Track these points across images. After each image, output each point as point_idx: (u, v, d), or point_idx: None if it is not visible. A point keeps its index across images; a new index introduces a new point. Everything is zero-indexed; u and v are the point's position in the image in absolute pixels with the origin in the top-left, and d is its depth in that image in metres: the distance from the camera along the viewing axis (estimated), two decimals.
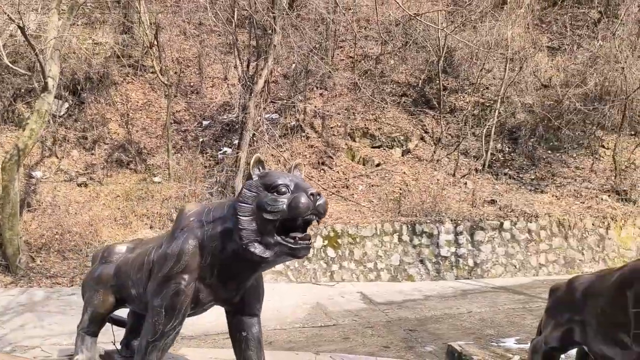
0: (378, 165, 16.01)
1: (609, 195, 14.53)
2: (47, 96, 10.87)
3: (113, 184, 15.16)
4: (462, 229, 12.97)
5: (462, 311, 9.95)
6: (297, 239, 3.13)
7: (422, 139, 16.92)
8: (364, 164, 16.31)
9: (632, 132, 15.78)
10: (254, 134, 15.73)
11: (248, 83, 15.57)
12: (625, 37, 15.33)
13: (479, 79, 17.14)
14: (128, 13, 19.41)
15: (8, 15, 8.74)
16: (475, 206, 14.09)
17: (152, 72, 19.96)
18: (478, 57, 16.99)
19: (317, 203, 3.10)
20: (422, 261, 12.64)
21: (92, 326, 4.25)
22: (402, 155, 16.42)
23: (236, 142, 18.00)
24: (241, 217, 3.16)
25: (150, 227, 13.52)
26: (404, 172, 15.73)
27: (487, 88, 17.71)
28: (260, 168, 3.38)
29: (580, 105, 15.22)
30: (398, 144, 16.60)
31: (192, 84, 19.76)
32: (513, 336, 8.35)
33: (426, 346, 7.82)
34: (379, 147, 16.69)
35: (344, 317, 9.34)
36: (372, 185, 15.36)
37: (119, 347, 4.66)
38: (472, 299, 10.90)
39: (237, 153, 15.42)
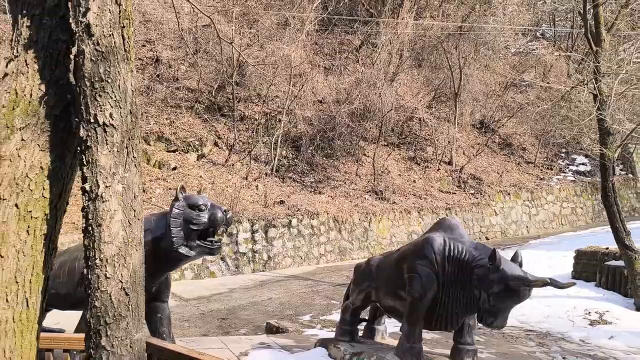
0: (174, 168, 16.48)
1: (370, 195, 17.78)
2: None
3: None
4: (258, 227, 14.46)
5: (264, 298, 11.37)
6: (213, 242, 4.55)
7: (215, 144, 17.95)
8: (159, 168, 16.58)
9: (386, 144, 19.51)
10: None
11: None
12: (381, 67, 18.90)
13: (267, 92, 18.95)
14: None
15: None
16: (267, 206, 15.74)
17: None
18: (265, 73, 18.78)
19: (228, 216, 4.50)
20: (222, 258, 13.70)
21: None
22: (198, 160, 17.20)
23: None
24: (172, 228, 4.35)
25: None
26: (200, 176, 16.54)
27: (273, 100, 19.68)
28: (183, 192, 4.64)
29: (349, 121, 18.21)
30: (193, 149, 17.30)
31: None
32: (308, 313, 10.12)
33: (240, 329, 8.95)
34: (174, 151, 17.14)
35: None
36: (170, 189, 15.79)
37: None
38: (270, 287, 12.44)
39: None
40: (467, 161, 20.68)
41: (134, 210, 1.80)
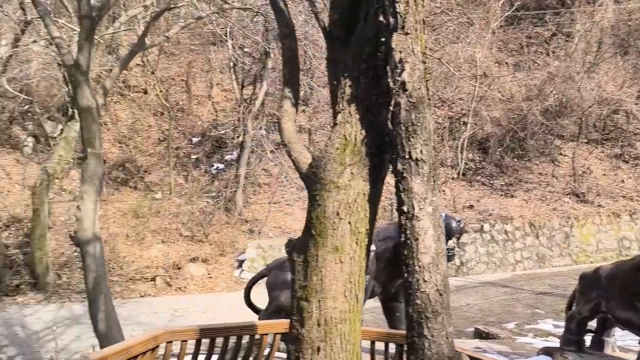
0: None
1: (570, 197, 16.55)
2: (73, 124, 11.57)
3: (117, 202, 15.78)
4: None
5: (462, 304, 11.44)
6: (448, 249, 5.09)
7: None
8: None
9: (586, 141, 17.97)
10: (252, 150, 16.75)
11: (245, 103, 16.60)
12: (578, 58, 17.51)
13: (452, 95, 18.89)
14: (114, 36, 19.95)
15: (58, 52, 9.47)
16: (456, 211, 15.70)
17: (136, 92, 20.60)
18: (448, 75, 18.74)
19: (461, 226, 5.21)
20: None
21: (274, 315, 5.43)
22: None
23: (227, 157, 18.97)
24: None
25: (163, 242, 14.30)
26: (388, 182, 17.21)
27: (456, 102, 19.52)
28: None
29: (542, 119, 17.22)
30: None
31: (178, 102, 20.50)
32: (511, 321, 9.92)
33: None
34: None
35: None
36: None
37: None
38: (466, 293, 12.44)
39: (236, 169, 16.40)
40: None
41: (440, 227, 2.24)
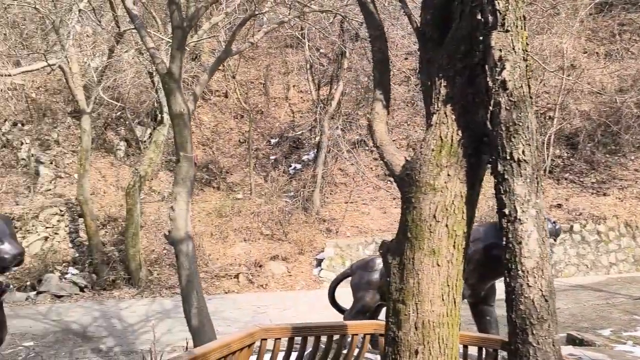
0: None
1: None
2: (162, 129, 12.21)
3: (202, 202, 16.51)
4: None
5: None
6: None
7: None
8: None
9: None
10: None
11: (322, 104, 16.78)
12: None
13: (536, 89, 18.01)
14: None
15: (152, 61, 10.05)
16: None
17: (217, 96, 21.43)
18: (532, 68, 17.88)
19: (557, 227, 4.74)
20: None
21: (359, 316, 5.52)
22: None
23: (304, 157, 19.27)
24: None
25: (244, 240, 14.79)
26: None
27: (541, 96, 18.57)
28: None
29: (638, 111, 16.00)
30: None
31: (257, 105, 21.09)
32: (607, 328, 9.31)
33: None
34: None
35: None
36: None
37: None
38: (557, 296, 11.80)
39: (313, 169, 16.63)
40: None
41: (545, 231, 2.15)
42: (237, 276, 13.37)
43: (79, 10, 9.66)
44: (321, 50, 19.42)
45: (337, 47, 16.11)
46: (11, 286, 3.28)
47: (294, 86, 21.76)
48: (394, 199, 16.46)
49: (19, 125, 16.31)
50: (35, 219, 13.33)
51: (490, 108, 2.21)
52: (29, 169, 15.12)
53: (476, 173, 2.40)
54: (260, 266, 13.74)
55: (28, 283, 11.94)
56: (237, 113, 20.64)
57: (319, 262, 14.07)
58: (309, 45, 16.31)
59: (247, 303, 11.77)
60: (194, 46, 17.76)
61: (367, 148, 18.85)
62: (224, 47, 15.81)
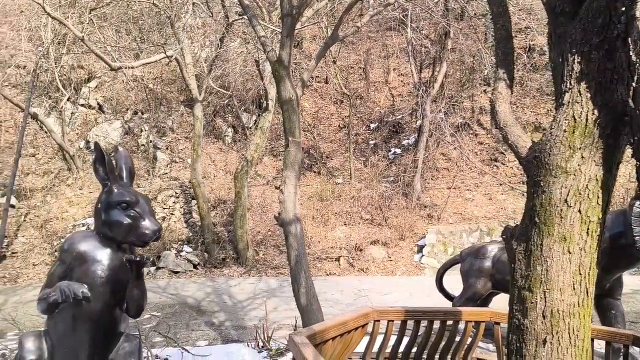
0: None
1: None
2: (267, 115, 12.62)
3: (303, 186, 16.93)
4: None
5: None
6: None
7: None
8: None
9: None
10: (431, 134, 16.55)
11: (424, 87, 16.42)
12: None
13: None
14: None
15: (263, 50, 10.41)
16: None
17: (318, 82, 21.73)
18: None
19: None
20: None
21: (470, 303, 5.49)
22: None
23: (405, 142, 19.02)
24: (635, 227, 4.44)
25: (345, 224, 14.99)
26: None
27: None
28: None
29: None
30: None
31: (357, 90, 21.13)
32: None
33: None
34: None
35: None
36: None
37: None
38: None
39: (414, 154, 16.38)
40: None
41: None
42: (338, 259, 13.61)
43: (193, 4, 10.24)
44: (423, 32, 18.94)
45: (441, 27, 15.63)
46: (151, 259, 3.63)
47: (394, 70, 21.50)
48: (501, 185, 15.79)
49: (139, 114, 17.76)
50: (154, 200, 14.49)
51: (634, 85, 2.03)
52: (148, 154, 16.44)
53: (614, 155, 2.24)
54: (361, 250, 13.86)
55: (151, 259, 13.05)
56: (337, 99, 20.83)
57: (420, 249, 13.90)
58: (412, 26, 15.96)
59: (349, 286, 11.95)
60: (297, 33, 18.16)
61: (471, 132, 18.21)
62: (325, 33, 15.92)
